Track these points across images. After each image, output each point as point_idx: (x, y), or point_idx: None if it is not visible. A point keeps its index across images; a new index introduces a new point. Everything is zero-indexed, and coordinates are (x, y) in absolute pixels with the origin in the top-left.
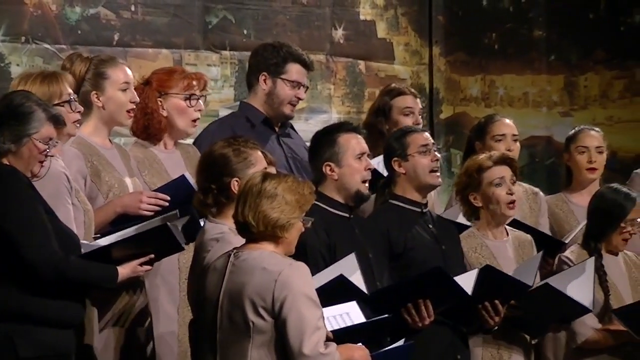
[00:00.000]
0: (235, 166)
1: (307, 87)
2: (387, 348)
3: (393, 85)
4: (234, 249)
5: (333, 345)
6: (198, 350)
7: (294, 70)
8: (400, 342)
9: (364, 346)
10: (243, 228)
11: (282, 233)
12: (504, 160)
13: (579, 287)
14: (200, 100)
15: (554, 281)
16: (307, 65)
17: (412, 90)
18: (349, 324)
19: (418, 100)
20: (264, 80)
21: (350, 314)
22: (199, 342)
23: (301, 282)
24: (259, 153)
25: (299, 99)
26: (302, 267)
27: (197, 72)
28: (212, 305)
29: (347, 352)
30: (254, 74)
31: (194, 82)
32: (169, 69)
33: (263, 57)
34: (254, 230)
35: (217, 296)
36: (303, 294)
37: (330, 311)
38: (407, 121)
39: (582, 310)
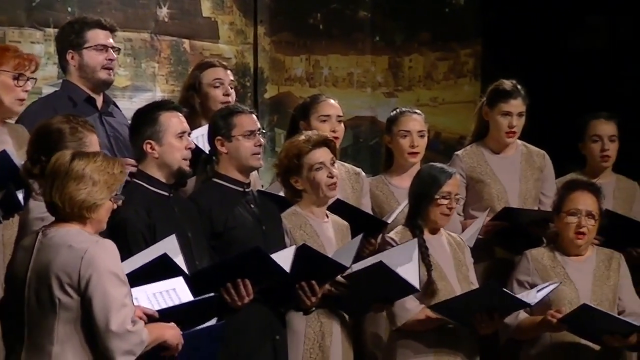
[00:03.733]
0: (68, 144)
1: (119, 49)
2: (198, 327)
3: (205, 59)
4: (43, 227)
5: (141, 322)
6: (6, 328)
7: (95, 36)
8: (212, 322)
9: (175, 325)
10: (51, 208)
11: (89, 214)
12: (322, 143)
13: (405, 267)
14: (29, 82)
15: (385, 259)
16: (107, 27)
17: (223, 62)
18: (175, 299)
19: (228, 72)
20: (72, 57)
21: (176, 289)
22: (6, 320)
23: (107, 259)
24: (95, 137)
25: (111, 60)
26: (109, 244)
27: (30, 54)
28: (20, 283)
29: (158, 330)
30: (62, 57)
31: (26, 63)
32: (3, 46)
33: (62, 37)
34: (61, 211)
35: (25, 274)
36: (109, 272)
37: (156, 287)
38: (217, 93)
39: (410, 289)
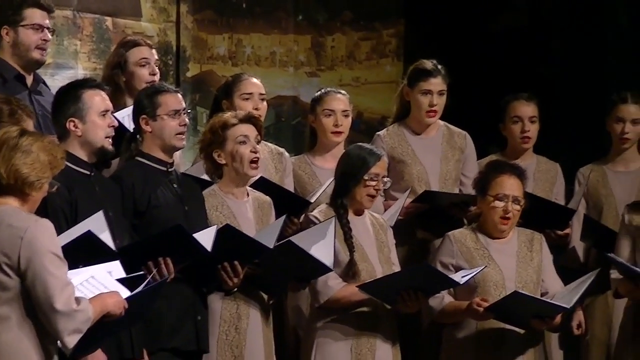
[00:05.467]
0: (4, 125)
1: (53, 30)
2: (137, 290)
3: (128, 37)
4: None
5: (85, 300)
6: None
7: (32, 15)
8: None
9: (117, 291)
10: None
11: (30, 190)
12: (249, 119)
13: (321, 246)
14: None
15: (297, 239)
16: (45, 8)
17: (148, 41)
18: (110, 282)
19: (154, 51)
20: (6, 33)
21: (112, 272)
22: None
23: (47, 239)
24: (31, 123)
25: (45, 41)
26: (47, 224)
27: None
28: None
29: (100, 301)
30: None
31: None
32: None
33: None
34: (4, 182)
35: None
36: (49, 252)
37: (92, 270)
38: (144, 72)
39: (323, 269)
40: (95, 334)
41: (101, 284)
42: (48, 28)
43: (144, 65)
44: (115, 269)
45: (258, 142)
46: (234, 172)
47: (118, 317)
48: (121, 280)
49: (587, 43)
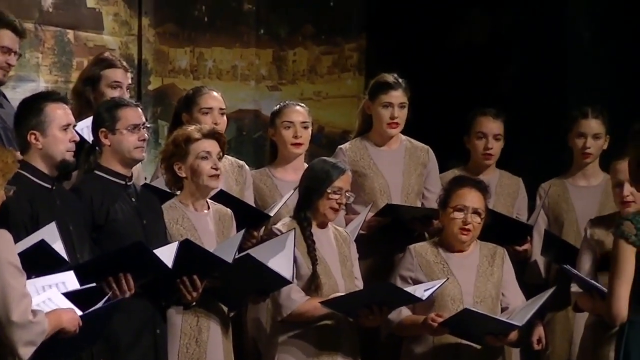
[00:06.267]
0: None
1: (20, 55)
2: (92, 308)
3: (106, 54)
4: None
5: (42, 312)
6: None
7: (4, 36)
8: (101, 303)
9: (73, 308)
10: None
11: None
12: (213, 135)
13: (280, 258)
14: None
15: (256, 252)
16: (19, 32)
17: (124, 64)
18: (65, 302)
19: (128, 74)
20: None
21: (66, 283)
22: None
23: (5, 249)
24: None
25: (10, 65)
26: (5, 234)
27: None
28: None
29: (56, 316)
30: None
31: None
32: None
33: None
34: None
35: None
36: (7, 262)
37: (46, 280)
38: (114, 94)
39: (282, 281)
40: (52, 351)
41: (56, 305)
42: (15, 52)
43: (115, 88)
44: (68, 279)
45: (220, 159)
46: (194, 186)
47: (72, 334)
48: (75, 292)
49: (548, 58)
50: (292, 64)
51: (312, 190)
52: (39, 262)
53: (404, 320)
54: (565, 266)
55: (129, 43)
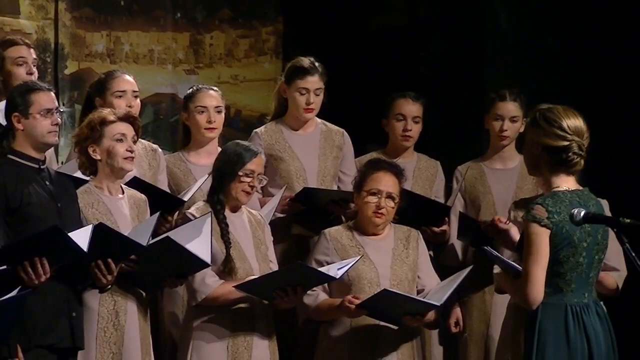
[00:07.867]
0: None
1: None
2: (3, 298)
3: (7, 37)
4: None
5: None
6: None
7: None
8: (14, 292)
9: None
10: None
11: None
12: (128, 118)
13: (197, 242)
14: None
15: (173, 235)
16: None
17: (26, 40)
18: None
19: (32, 50)
20: None
21: None
22: None
23: None
24: None
25: None
26: None
27: None
28: None
29: None
30: None
31: None
32: None
33: None
34: None
35: None
36: None
37: None
38: (21, 71)
39: (201, 264)
40: None
41: None
42: None
43: (21, 65)
44: None
45: (134, 142)
46: (109, 169)
47: None
48: None
49: (466, 42)
50: (209, 48)
51: (224, 173)
52: None
53: (320, 305)
54: (485, 247)
55: (46, 27)
